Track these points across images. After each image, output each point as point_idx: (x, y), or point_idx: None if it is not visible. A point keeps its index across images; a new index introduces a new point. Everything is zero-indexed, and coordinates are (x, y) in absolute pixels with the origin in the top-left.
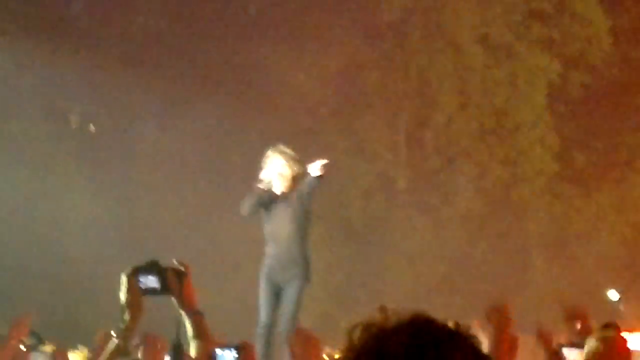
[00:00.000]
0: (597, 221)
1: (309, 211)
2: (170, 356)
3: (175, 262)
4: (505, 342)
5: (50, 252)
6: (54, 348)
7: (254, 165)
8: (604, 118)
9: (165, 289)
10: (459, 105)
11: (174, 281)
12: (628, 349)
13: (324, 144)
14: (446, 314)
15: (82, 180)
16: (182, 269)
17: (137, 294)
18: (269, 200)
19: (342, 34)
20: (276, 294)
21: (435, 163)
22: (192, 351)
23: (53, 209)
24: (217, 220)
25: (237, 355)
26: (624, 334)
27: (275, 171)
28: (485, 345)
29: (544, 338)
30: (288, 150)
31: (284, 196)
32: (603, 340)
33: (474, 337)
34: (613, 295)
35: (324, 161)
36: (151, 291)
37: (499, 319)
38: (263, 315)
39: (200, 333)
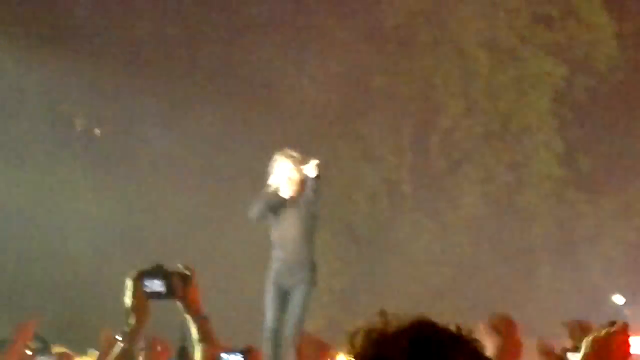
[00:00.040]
0: (602, 226)
1: (316, 215)
2: None
3: (180, 266)
4: (511, 351)
5: (54, 255)
6: (64, 351)
7: (259, 169)
8: (610, 122)
9: (170, 293)
10: (464, 110)
11: (179, 285)
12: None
13: (328, 148)
14: (451, 318)
15: (86, 183)
16: (188, 273)
17: (142, 297)
18: (277, 205)
19: (346, 38)
20: (283, 298)
21: (440, 167)
22: (198, 355)
23: (57, 212)
24: (221, 224)
25: None
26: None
27: (284, 175)
28: (489, 351)
29: (545, 351)
30: (296, 154)
31: (292, 200)
32: (597, 340)
33: (476, 340)
34: (618, 299)
35: (316, 161)
36: (156, 295)
37: (506, 327)
38: (270, 319)
39: (206, 337)
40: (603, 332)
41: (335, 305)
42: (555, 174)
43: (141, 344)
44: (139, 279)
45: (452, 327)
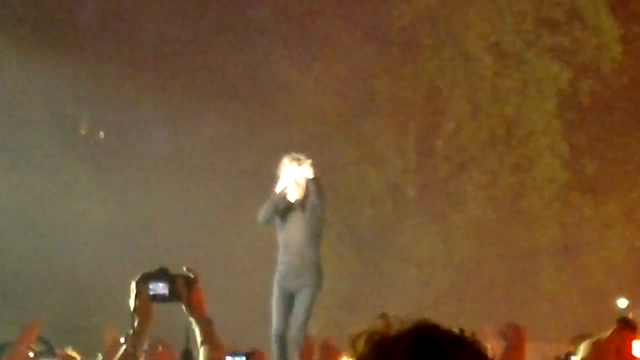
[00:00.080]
0: (606, 229)
1: (322, 219)
2: None
3: (184, 269)
4: (513, 358)
5: (59, 257)
6: (71, 354)
7: (263, 172)
8: (614, 126)
9: (174, 295)
10: (469, 113)
11: (183, 288)
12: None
13: (333, 151)
14: (455, 321)
15: (91, 186)
16: (192, 275)
17: (146, 300)
18: (284, 208)
19: (351, 41)
20: (289, 301)
21: (444, 171)
22: (202, 358)
23: (61, 214)
24: (226, 226)
25: None
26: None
27: (291, 179)
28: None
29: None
30: (303, 158)
31: (299, 203)
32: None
33: (479, 343)
34: (622, 303)
35: (309, 161)
36: (160, 298)
37: (514, 335)
38: (276, 321)
39: (210, 340)
40: (604, 335)
41: (338, 308)
42: (559, 178)
43: (145, 346)
44: (143, 282)
45: (455, 330)
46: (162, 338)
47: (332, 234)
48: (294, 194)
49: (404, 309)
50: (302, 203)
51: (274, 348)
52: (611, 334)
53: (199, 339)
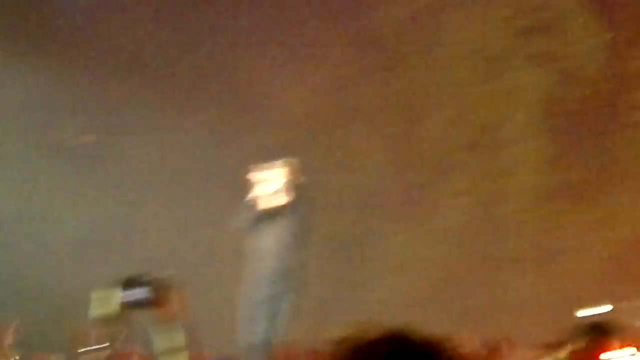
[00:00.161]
0: (586, 236)
1: (303, 225)
2: None
3: (163, 275)
4: None
5: (38, 264)
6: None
7: (243, 178)
8: (597, 133)
9: (152, 301)
10: (449, 120)
11: (161, 294)
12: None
13: (313, 156)
14: (433, 328)
15: (71, 192)
16: (170, 282)
17: (123, 306)
18: (264, 214)
19: (330, 46)
20: (268, 306)
21: (424, 177)
22: None
23: (39, 219)
24: (206, 231)
25: None
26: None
27: (272, 185)
28: None
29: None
30: (285, 164)
31: (280, 209)
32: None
33: (454, 350)
34: (602, 310)
35: (284, 166)
36: (138, 304)
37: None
38: (255, 327)
39: (188, 345)
40: (582, 344)
41: (315, 314)
42: (540, 184)
43: (118, 351)
44: (120, 288)
45: (433, 337)
46: (134, 344)
47: (311, 240)
48: (273, 200)
49: (382, 314)
50: (283, 209)
51: (251, 354)
52: (587, 343)
53: (176, 344)
